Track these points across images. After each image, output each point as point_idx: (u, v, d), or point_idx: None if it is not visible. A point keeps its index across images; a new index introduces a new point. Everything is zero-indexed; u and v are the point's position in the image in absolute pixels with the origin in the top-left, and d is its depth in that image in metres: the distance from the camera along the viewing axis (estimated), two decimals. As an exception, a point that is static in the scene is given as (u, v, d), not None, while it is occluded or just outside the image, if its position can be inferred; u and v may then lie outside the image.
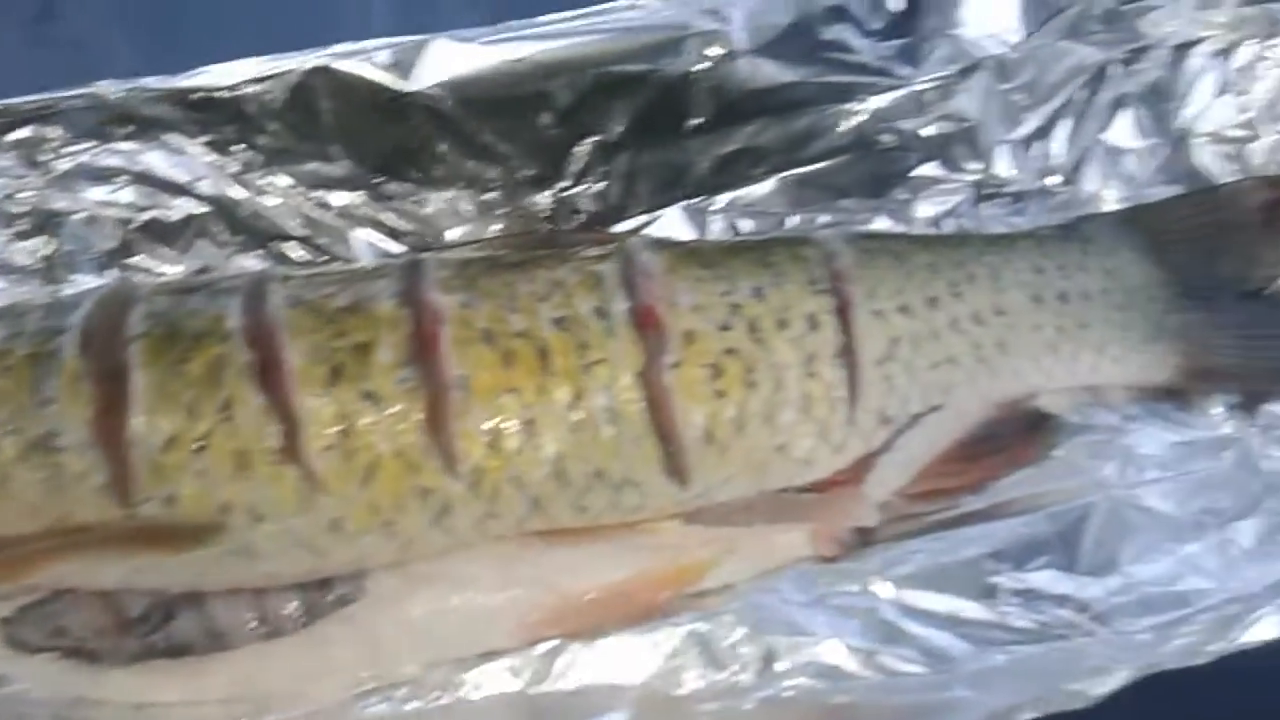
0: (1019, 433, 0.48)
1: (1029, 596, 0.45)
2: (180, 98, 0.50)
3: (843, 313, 0.45)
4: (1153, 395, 0.50)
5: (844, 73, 0.53)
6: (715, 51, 0.51)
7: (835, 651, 0.43)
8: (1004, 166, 0.56)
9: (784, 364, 0.44)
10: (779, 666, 0.43)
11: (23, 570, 0.41)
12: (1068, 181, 0.56)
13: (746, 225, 0.55)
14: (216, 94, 0.50)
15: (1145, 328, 0.49)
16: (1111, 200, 0.56)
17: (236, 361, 0.41)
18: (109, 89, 0.50)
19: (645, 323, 0.43)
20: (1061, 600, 0.45)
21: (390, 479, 0.41)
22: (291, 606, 0.43)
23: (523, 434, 0.42)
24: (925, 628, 0.44)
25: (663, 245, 0.47)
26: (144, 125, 0.51)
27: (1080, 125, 0.56)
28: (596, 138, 0.53)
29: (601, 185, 0.54)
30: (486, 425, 0.42)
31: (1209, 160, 0.55)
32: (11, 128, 0.51)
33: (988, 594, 0.45)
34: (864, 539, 0.46)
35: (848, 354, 0.45)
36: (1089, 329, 0.48)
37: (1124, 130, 0.56)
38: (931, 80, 0.54)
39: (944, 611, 0.45)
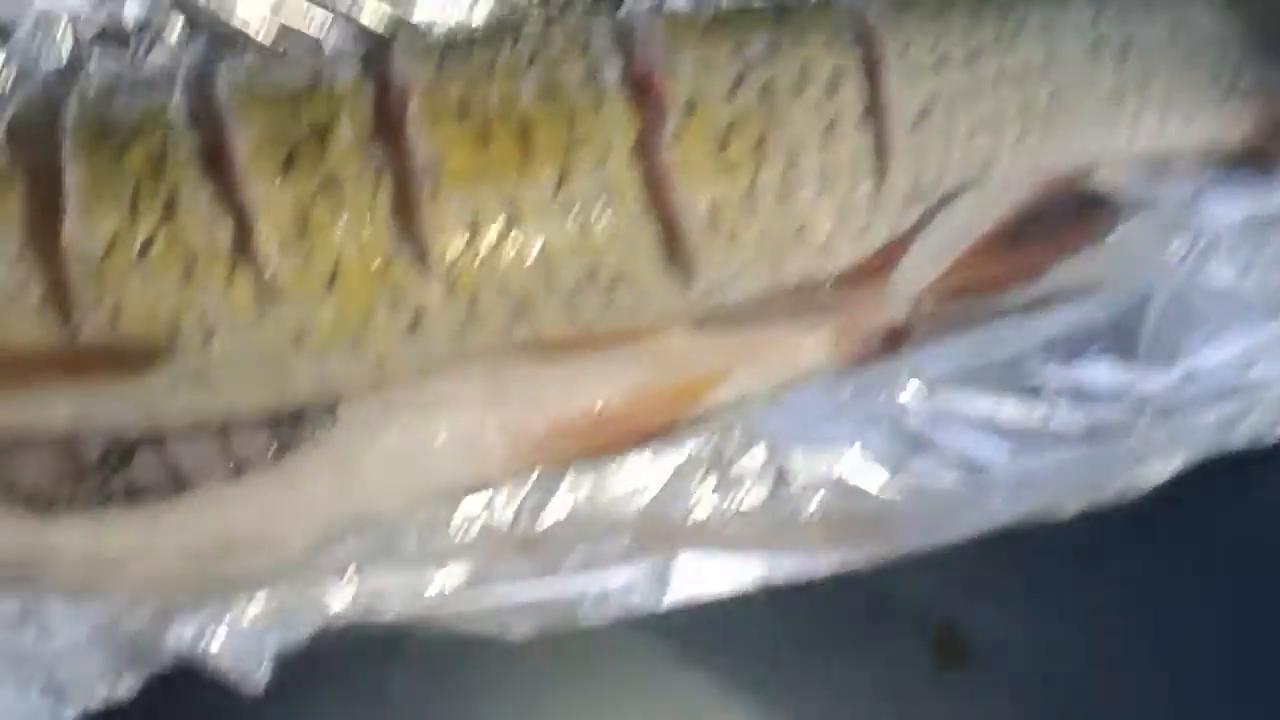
0: (1069, 214, 0.43)
1: (1079, 393, 0.41)
2: None
3: (871, 71, 0.39)
4: (1226, 162, 0.44)
5: None
6: None
7: (858, 464, 0.39)
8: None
9: (801, 132, 0.38)
10: (796, 484, 0.39)
11: None
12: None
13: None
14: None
15: (1218, 82, 0.43)
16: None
17: (181, 150, 0.36)
18: None
19: (642, 89, 0.38)
20: (1116, 395, 0.40)
21: (356, 280, 0.37)
22: (258, 443, 0.39)
23: (503, 223, 0.37)
24: (959, 434, 0.40)
25: (668, 10, 0.41)
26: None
27: None
28: None
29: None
30: (462, 214, 0.37)
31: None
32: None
33: (1032, 393, 0.41)
34: (893, 341, 0.41)
35: (875, 118, 0.39)
36: (1152, 84, 0.42)
37: None
38: None
39: (981, 415, 0.40)
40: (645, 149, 0.37)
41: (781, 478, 0.38)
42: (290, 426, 0.39)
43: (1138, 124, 0.42)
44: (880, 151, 0.39)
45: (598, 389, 0.39)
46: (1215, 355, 0.40)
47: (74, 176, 0.36)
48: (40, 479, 0.39)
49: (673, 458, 0.39)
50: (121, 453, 0.39)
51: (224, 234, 0.36)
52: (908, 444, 0.39)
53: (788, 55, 0.39)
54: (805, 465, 0.38)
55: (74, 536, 0.39)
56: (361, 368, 0.38)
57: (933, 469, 0.40)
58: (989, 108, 0.40)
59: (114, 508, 0.39)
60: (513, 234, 0.37)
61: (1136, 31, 0.42)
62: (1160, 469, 0.38)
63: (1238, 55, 0.43)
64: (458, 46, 0.39)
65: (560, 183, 0.37)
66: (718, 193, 0.38)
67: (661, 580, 0.37)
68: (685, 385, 0.40)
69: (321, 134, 0.37)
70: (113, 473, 0.39)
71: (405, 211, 0.36)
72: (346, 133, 0.37)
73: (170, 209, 0.36)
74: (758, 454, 0.39)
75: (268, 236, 0.36)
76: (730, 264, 0.38)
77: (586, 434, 0.39)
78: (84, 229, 0.36)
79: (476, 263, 0.37)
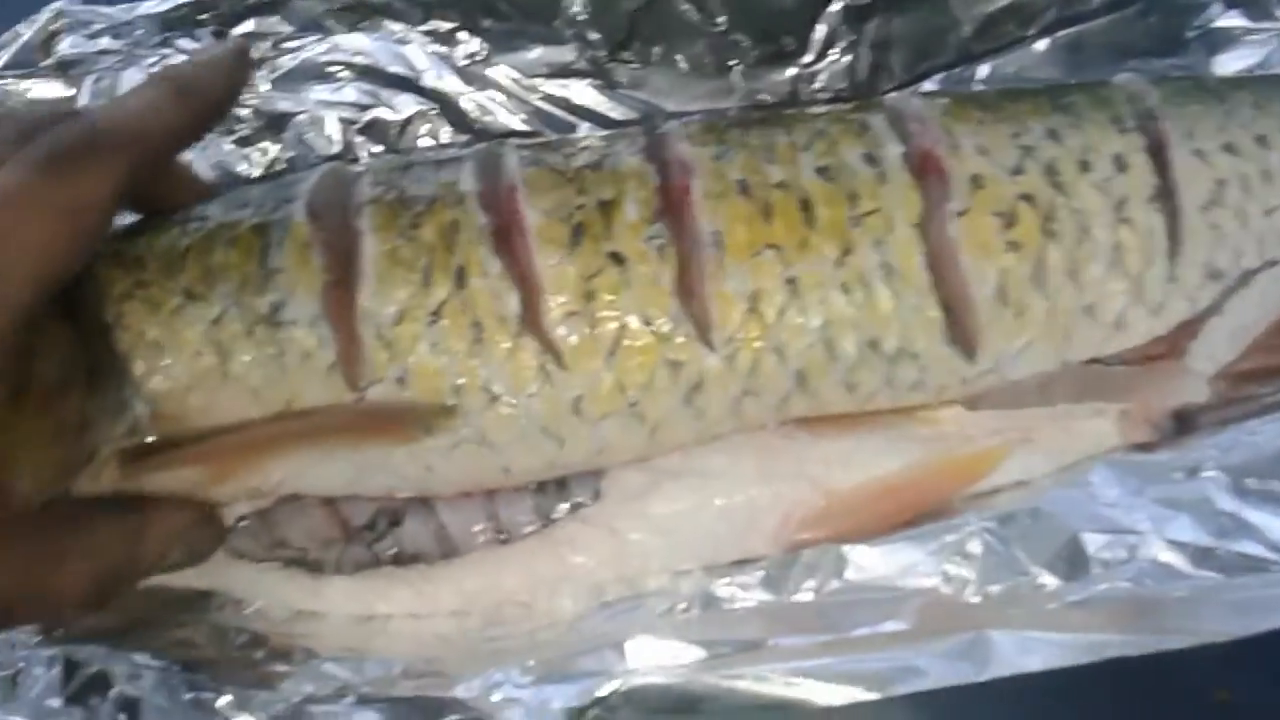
0: None
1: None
2: None
3: (1156, 153, 0.39)
4: None
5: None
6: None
7: (1160, 548, 0.36)
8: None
9: (1089, 210, 0.37)
10: (1092, 568, 0.36)
11: (246, 461, 0.38)
12: None
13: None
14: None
15: None
16: None
17: (472, 225, 0.38)
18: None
19: (924, 168, 0.38)
20: None
21: (637, 350, 0.37)
22: (525, 509, 0.40)
23: (784, 296, 0.37)
24: (1270, 518, 0.36)
25: (933, 94, 0.42)
26: (366, 13, 0.49)
27: None
28: (844, 3, 0.47)
29: (849, 58, 0.49)
30: (743, 287, 0.37)
31: None
32: (236, 20, 0.50)
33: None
34: (1184, 426, 0.39)
35: (1165, 198, 0.38)
36: None
37: None
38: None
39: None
40: (929, 224, 0.37)
41: (1076, 561, 0.36)
42: (556, 494, 0.39)
43: None
44: (1172, 231, 0.38)
45: (873, 464, 0.38)
46: None
47: (370, 248, 0.38)
48: (310, 540, 0.40)
49: (952, 535, 0.37)
50: (391, 517, 0.40)
51: (511, 304, 0.37)
52: (1214, 529, 0.36)
53: (1069, 136, 0.39)
54: (1104, 549, 0.36)
55: (343, 598, 0.39)
56: (636, 437, 0.38)
57: (1242, 555, 0.36)
58: None
59: (382, 571, 0.39)
60: (794, 306, 0.37)
61: None
62: None
63: None
64: (732, 130, 0.40)
65: (843, 257, 0.37)
66: (1005, 268, 0.37)
67: (961, 656, 0.34)
68: (965, 463, 0.38)
69: (607, 211, 0.38)
70: (381, 536, 0.40)
71: (687, 285, 0.37)
72: (631, 210, 0.38)
73: (461, 279, 0.37)
74: (1049, 536, 0.36)
75: (553, 307, 0.37)
76: (1016, 340, 0.38)
77: (860, 510, 0.38)
78: (378, 297, 0.37)
79: (757, 336, 0.37)
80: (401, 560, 0.39)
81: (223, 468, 0.38)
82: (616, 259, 0.37)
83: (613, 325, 0.37)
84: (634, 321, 0.37)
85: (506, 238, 0.38)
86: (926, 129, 0.39)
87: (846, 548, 0.37)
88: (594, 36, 0.48)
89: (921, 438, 0.38)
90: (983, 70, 0.49)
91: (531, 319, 0.37)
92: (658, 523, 0.38)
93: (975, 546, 0.36)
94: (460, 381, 0.37)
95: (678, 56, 0.48)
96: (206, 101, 0.37)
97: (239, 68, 0.38)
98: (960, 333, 0.37)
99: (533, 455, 0.38)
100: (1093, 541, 0.36)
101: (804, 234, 0.37)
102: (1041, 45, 0.49)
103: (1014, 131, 0.39)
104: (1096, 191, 0.38)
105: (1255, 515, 0.36)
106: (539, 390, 0.37)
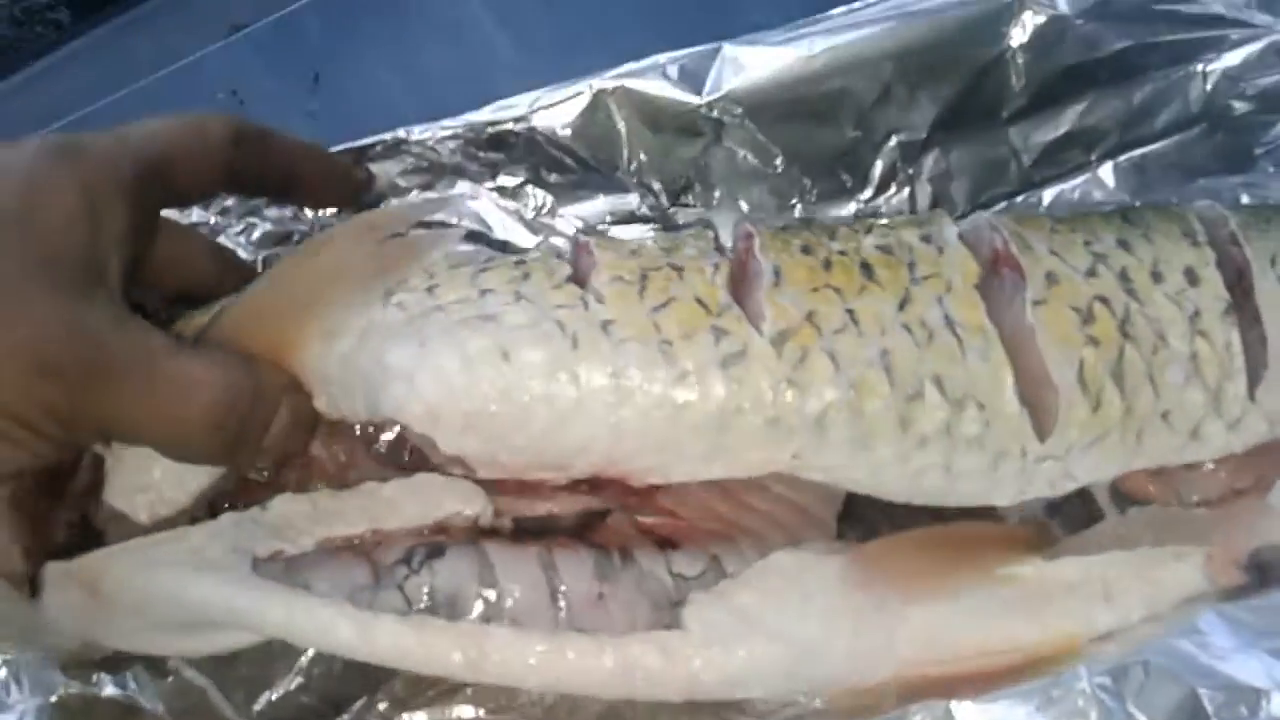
0: None
1: None
2: (473, 136, 0.49)
3: (1239, 275, 0.38)
4: None
5: (1189, 28, 0.46)
6: (1034, 21, 0.46)
7: (1282, 702, 0.34)
8: (1394, 117, 0.47)
9: (1165, 318, 0.37)
10: (1214, 722, 0.34)
11: None
12: None
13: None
14: (508, 127, 0.49)
15: None
16: None
17: None
18: (404, 134, 0.50)
19: (995, 265, 0.38)
20: None
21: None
22: (584, 575, 0.37)
23: (841, 320, 0.37)
24: None
25: (1000, 213, 0.42)
26: (439, 173, 0.51)
27: None
28: (901, 137, 0.48)
29: (907, 190, 0.49)
30: (799, 307, 0.37)
31: None
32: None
33: None
34: (1265, 571, 0.37)
35: (1240, 313, 0.37)
36: None
37: None
38: (1301, 22, 0.46)
39: None
40: (1004, 314, 0.37)
41: (1196, 714, 0.33)
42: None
43: None
44: (1253, 351, 0.37)
45: (961, 637, 0.36)
46: None
47: None
48: (335, 588, 0.37)
49: (1060, 690, 0.35)
50: (429, 550, 0.37)
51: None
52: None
53: (1139, 247, 0.38)
54: (1224, 708, 0.33)
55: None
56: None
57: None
58: None
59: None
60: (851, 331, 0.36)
61: None
62: None
63: None
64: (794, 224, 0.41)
65: (902, 306, 0.37)
66: (1085, 359, 0.36)
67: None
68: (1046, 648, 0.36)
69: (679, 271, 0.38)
70: (416, 571, 0.37)
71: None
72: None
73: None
74: (1165, 693, 0.34)
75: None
76: (1090, 432, 0.36)
77: (942, 683, 0.36)
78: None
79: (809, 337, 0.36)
80: (436, 606, 0.36)
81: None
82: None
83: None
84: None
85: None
86: (997, 233, 0.38)
87: (954, 704, 0.35)
88: (655, 185, 0.49)
89: (1005, 600, 0.36)
90: (1047, 196, 0.49)
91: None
92: (737, 678, 0.37)
93: (1088, 705, 0.34)
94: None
95: (739, 199, 0.49)
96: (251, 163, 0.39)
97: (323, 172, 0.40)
98: (1035, 409, 0.36)
99: None
100: (1212, 699, 0.33)
101: (863, 283, 0.37)
102: (1106, 169, 0.48)
103: (1085, 239, 0.38)
104: (1170, 302, 0.37)
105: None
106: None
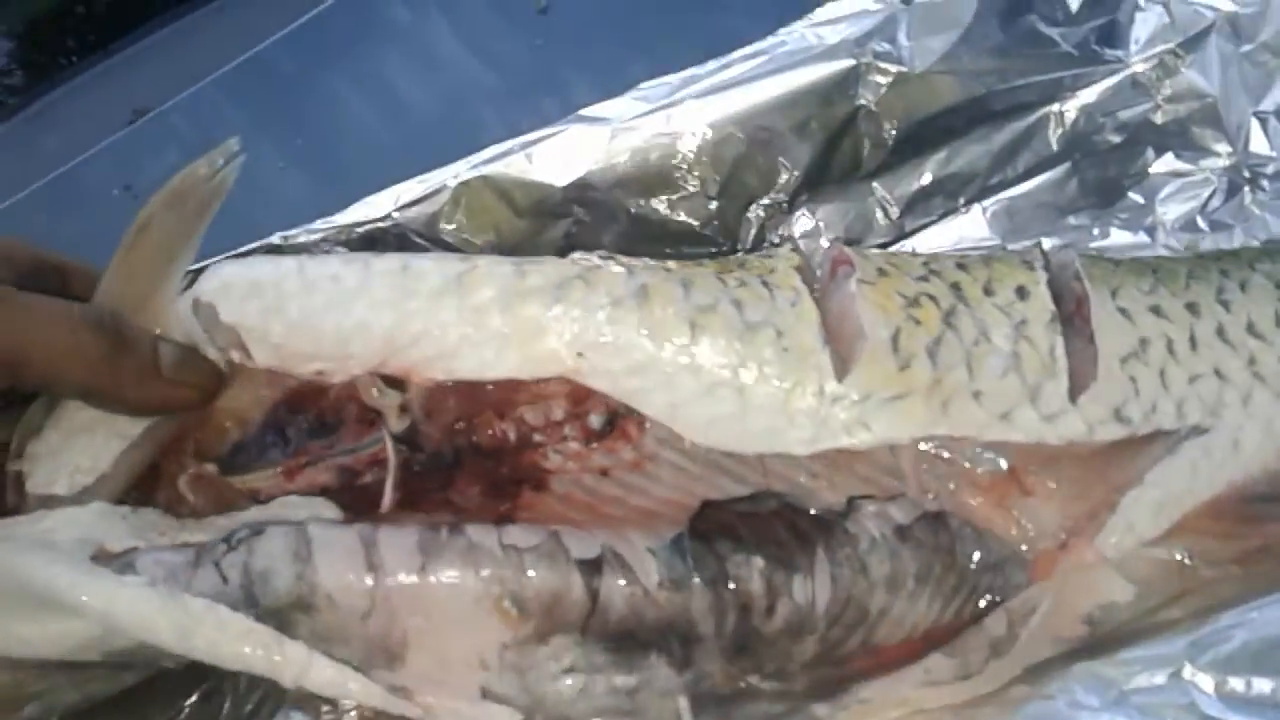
0: None
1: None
2: (344, 238, 0.49)
3: (1079, 304, 0.39)
4: None
5: (1042, 70, 0.46)
6: (882, 80, 0.45)
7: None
8: (1261, 142, 0.46)
9: (990, 320, 0.38)
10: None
11: None
12: (1351, 146, 0.45)
13: (956, 266, 0.48)
14: (378, 226, 0.48)
15: None
16: None
17: None
18: (278, 240, 0.49)
19: (831, 265, 0.40)
20: None
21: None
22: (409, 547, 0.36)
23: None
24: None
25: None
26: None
27: (1354, 79, 0.45)
28: (765, 200, 0.48)
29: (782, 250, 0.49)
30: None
31: None
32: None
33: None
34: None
35: (1075, 333, 0.38)
36: None
37: None
38: (1150, 56, 0.46)
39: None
40: (829, 291, 0.39)
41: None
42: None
43: None
44: (1080, 364, 0.37)
45: None
46: None
47: None
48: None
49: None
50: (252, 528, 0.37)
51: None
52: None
53: (976, 269, 0.40)
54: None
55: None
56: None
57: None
58: (1213, 358, 0.38)
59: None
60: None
61: None
62: None
63: None
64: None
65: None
66: (903, 327, 0.37)
67: None
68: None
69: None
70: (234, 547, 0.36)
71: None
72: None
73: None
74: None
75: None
76: (893, 385, 0.37)
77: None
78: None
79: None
80: (249, 582, 0.35)
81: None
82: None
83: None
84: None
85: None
86: (833, 249, 0.41)
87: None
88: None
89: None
90: (920, 245, 0.48)
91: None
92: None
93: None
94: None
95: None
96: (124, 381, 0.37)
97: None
98: (841, 354, 0.37)
99: None
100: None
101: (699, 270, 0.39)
102: (975, 214, 0.48)
103: (923, 261, 0.40)
104: (998, 310, 0.38)
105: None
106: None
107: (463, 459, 0.38)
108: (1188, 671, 0.35)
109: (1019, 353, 0.37)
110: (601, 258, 0.40)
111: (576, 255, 0.40)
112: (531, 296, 0.37)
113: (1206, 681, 0.35)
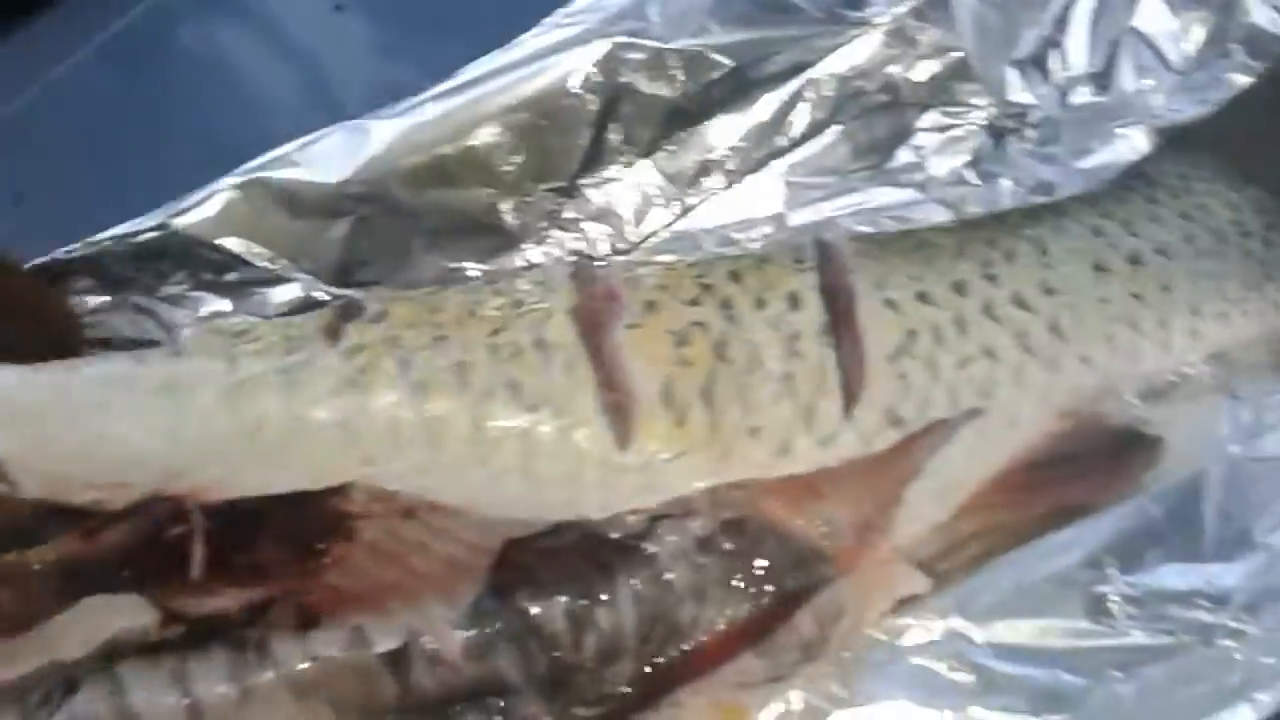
0: (1103, 451, 0.39)
1: (1148, 601, 0.35)
2: (122, 250, 0.47)
3: (842, 299, 0.39)
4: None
5: (793, 35, 0.46)
6: (640, 54, 0.45)
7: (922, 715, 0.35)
8: (1019, 91, 0.47)
9: (761, 341, 0.38)
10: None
11: None
12: (1101, 88, 0.47)
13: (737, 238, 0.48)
14: (154, 236, 0.47)
15: (1247, 268, 0.40)
16: (1161, 97, 0.46)
17: None
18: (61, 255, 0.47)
19: (600, 296, 0.39)
20: (1189, 598, 0.35)
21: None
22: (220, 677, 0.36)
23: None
24: (1026, 666, 0.35)
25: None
26: (113, 285, 0.49)
27: (1099, 19, 0.46)
28: (544, 187, 0.47)
29: (561, 234, 0.48)
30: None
31: (1269, 17, 0.45)
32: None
33: (1096, 609, 0.36)
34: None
35: (843, 340, 0.38)
36: (1175, 290, 0.39)
37: (1154, 8, 0.46)
38: (896, 15, 0.46)
39: (1046, 642, 0.36)
40: (598, 335, 0.37)
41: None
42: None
43: (1164, 335, 0.39)
44: (851, 371, 0.37)
45: None
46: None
47: None
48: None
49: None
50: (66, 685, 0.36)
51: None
52: (970, 687, 0.35)
53: (749, 276, 0.39)
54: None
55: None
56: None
57: (1005, 707, 0.35)
58: (980, 340, 0.38)
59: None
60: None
61: (1144, 239, 0.40)
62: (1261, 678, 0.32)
63: (1263, 231, 0.40)
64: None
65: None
66: (673, 376, 0.37)
67: None
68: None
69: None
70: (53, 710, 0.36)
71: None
72: None
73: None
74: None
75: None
76: (674, 443, 0.37)
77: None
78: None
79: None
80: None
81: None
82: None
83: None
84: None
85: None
86: (607, 270, 0.40)
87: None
88: (312, 270, 0.48)
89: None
90: (704, 218, 0.48)
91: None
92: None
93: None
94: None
95: (396, 270, 0.48)
96: None
97: None
98: (620, 421, 0.37)
99: None
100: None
101: (465, 318, 0.38)
102: (751, 184, 0.48)
103: (696, 274, 0.40)
104: (769, 326, 0.38)
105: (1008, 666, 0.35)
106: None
107: (271, 512, 0.37)
108: (958, 623, 0.36)
109: (791, 373, 0.37)
110: (372, 320, 0.39)
111: (349, 338, 0.38)
112: (308, 409, 0.37)
113: (975, 631, 0.36)
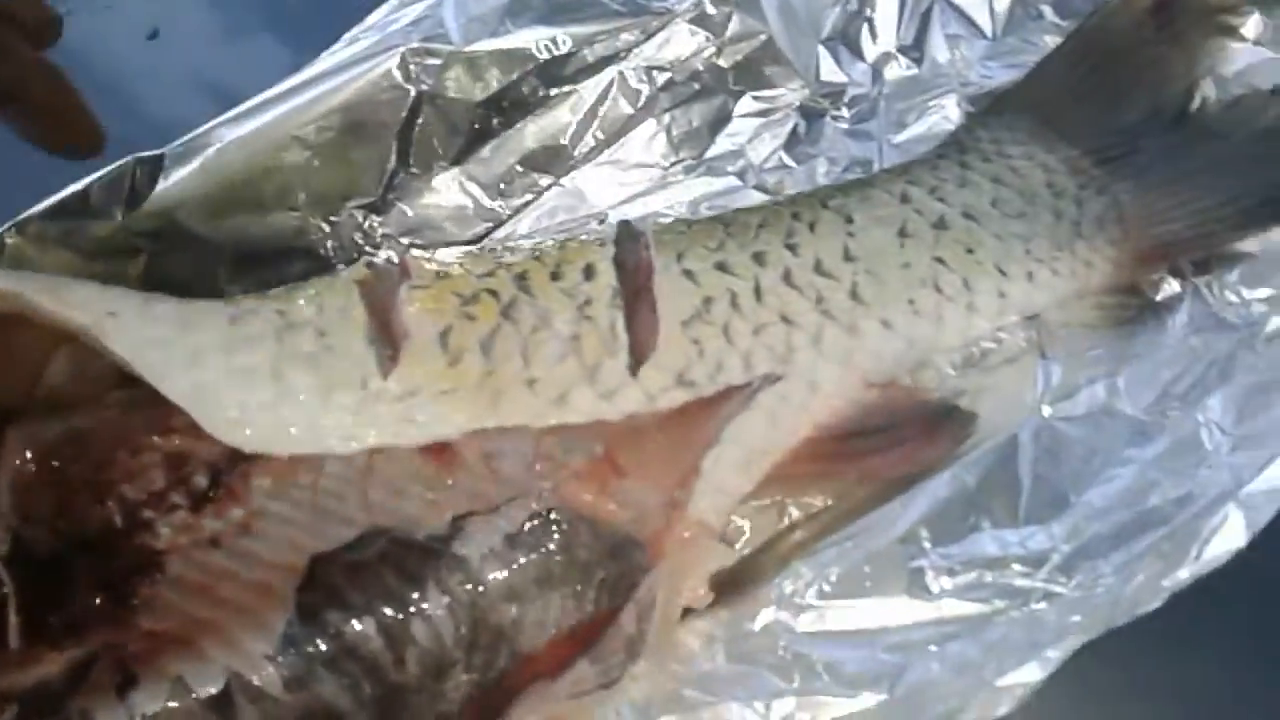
0: (915, 421, 0.38)
1: (963, 571, 0.34)
2: None
3: (634, 269, 0.38)
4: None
5: (595, 29, 0.45)
6: (435, 59, 0.44)
7: (742, 713, 0.34)
8: (832, 70, 0.46)
9: (553, 308, 0.37)
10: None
11: None
12: (914, 60, 0.46)
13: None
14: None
15: (1058, 228, 0.40)
16: (974, 64, 0.45)
17: None
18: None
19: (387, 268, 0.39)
20: (1005, 563, 0.34)
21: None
22: None
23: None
24: (845, 649, 0.34)
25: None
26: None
27: (904, -12, 0.46)
28: (351, 204, 0.46)
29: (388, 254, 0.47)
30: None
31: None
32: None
33: (915, 585, 0.35)
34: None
35: (638, 301, 0.37)
36: (979, 251, 0.39)
37: (960, -28, 0.46)
38: (697, 3, 0.45)
39: (865, 624, 0.34)
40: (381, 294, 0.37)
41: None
42: None
43: (970, 297, 0.39)
44: (641, 334, 0.37)
45: None
46: (1107, 492, 0.34)
47: None
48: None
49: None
50: None
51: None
52: (784, 682, 0.34)
53: (548, 256, 0.39)
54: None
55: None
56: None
57: (821, 696, 0.33)
58: (779, 305, 0.38)
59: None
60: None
61: (951, 204, 0.40)
62: (1073, 642, 0.31)
63: (1074, 190, 0.40)
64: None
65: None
66: (454, 324, 0.36)
67: None
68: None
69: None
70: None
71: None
72: None
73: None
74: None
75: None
76: (442, 381, 0.36)
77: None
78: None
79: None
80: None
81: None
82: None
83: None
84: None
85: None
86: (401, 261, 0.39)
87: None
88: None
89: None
90: (525, 224, 0.47)
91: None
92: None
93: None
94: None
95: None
96: None
97: None
98: (391, 354, 0.36)
99: None
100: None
101: None
102: (570, 186, 0.47)
103: (497, 257, 0.39)
104: (563, 295, 0.37)
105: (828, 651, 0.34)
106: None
107: (77, 559, 0.35)
108: (778, 614, 0.35)
109: (579, 334, 0.37)
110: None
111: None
112: None
113: (796, 620, 0.35)
